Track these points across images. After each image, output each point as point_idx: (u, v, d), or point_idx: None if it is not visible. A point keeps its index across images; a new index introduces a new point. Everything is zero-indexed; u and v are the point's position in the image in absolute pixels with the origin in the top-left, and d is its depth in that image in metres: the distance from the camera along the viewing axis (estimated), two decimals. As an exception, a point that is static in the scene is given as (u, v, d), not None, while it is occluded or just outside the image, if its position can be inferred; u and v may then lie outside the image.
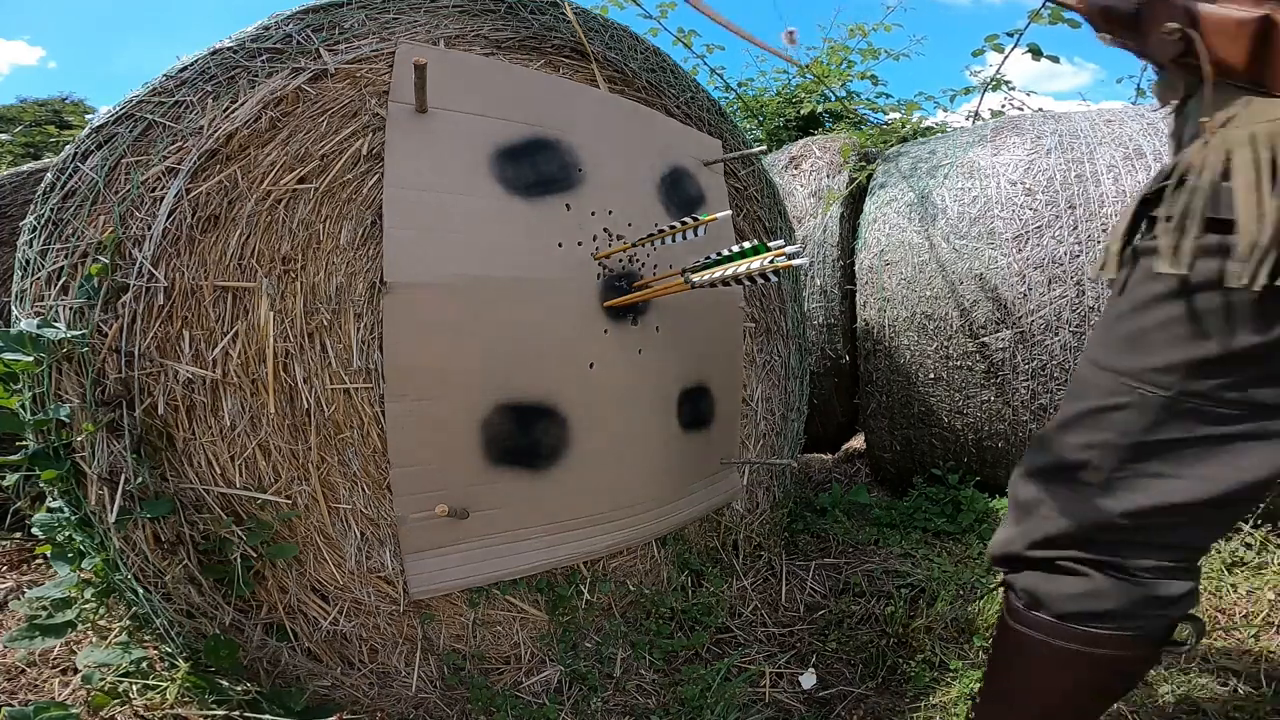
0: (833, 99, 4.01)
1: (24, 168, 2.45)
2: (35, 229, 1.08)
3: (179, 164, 1.14)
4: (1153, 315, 0.82)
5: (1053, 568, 0.89)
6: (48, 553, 1.16)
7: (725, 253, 1.33)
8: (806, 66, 3.96)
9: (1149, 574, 0.84)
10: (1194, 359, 0.79)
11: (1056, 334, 2.13)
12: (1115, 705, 1.28)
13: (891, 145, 2.86)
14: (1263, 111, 0.78)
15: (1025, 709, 0.96)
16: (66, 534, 1.12)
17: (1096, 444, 0.85)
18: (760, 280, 1.25)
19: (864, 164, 2.72)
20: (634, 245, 1.49)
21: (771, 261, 1.21)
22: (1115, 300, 0.87)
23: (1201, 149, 0.80)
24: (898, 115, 3.80)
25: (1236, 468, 0.79)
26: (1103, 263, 0.90)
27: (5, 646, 1.22)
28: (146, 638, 1.16)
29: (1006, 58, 3.03)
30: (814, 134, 3.74)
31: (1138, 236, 0.88)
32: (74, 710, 1.00)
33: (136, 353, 1.10)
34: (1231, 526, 0.88)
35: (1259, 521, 1.91)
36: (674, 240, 1.42)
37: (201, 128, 1.16)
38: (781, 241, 1.24)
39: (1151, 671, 1.36)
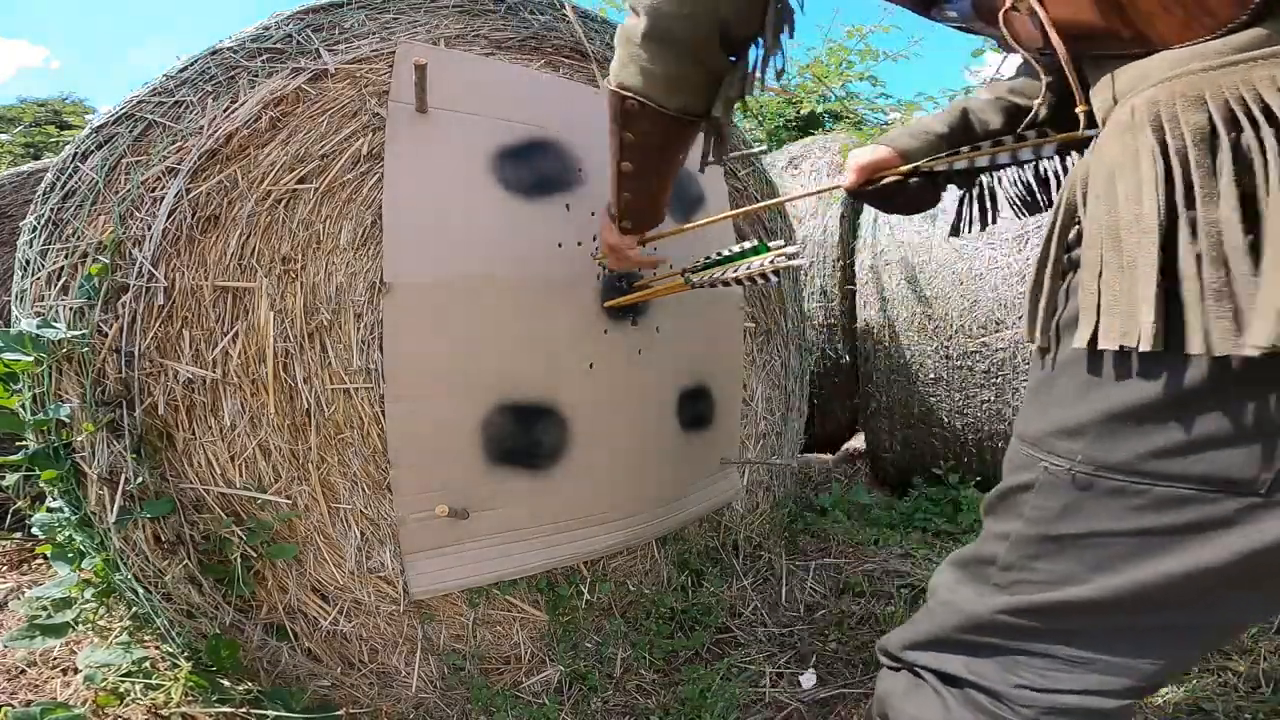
0: (833, 99, 4.01)
1: (24, 168, 2.46)
2: (35, 229, 1.08)
3: (179, 164, 1.14)
4: (1068, 366, 0.60)
5: (917, 678, 0.70)
6: (48, 553, 1.16)
7: (725, 253, 1.32)
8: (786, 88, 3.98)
9: (1028, 709, 0.61)
10: (1107, 411, 0.55)
11: (1056, 334, 2.13)
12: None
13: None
14: (1147, 73, 0.56)
15: None
16: (66, 534, 1.12)
17: (1006, 534, 0.65)
18: (760, 281, 1.25)
19: (864, 164, 2.71)
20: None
21: (772, 262, 1.21)
22: (1042, 362, 0.64)
23: (1085, 159, 0.60)
24: (898, 115, 3.80)
25: (1185, 571, 0.54)
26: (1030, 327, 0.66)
27: (5, 646, 1.22)
28: (147, 638, 1.16)
29: (1005, 58, 3.04)
30: (814, 134, 3.74)
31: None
32: (79, 711, 1.00)
33: (136, 353, 1.10)
34: (1194, 657, 0.62)
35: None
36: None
37: (201, 128, 1.16)
38: (781, 241, 1.24)
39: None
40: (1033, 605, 0.61)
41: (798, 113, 4.10)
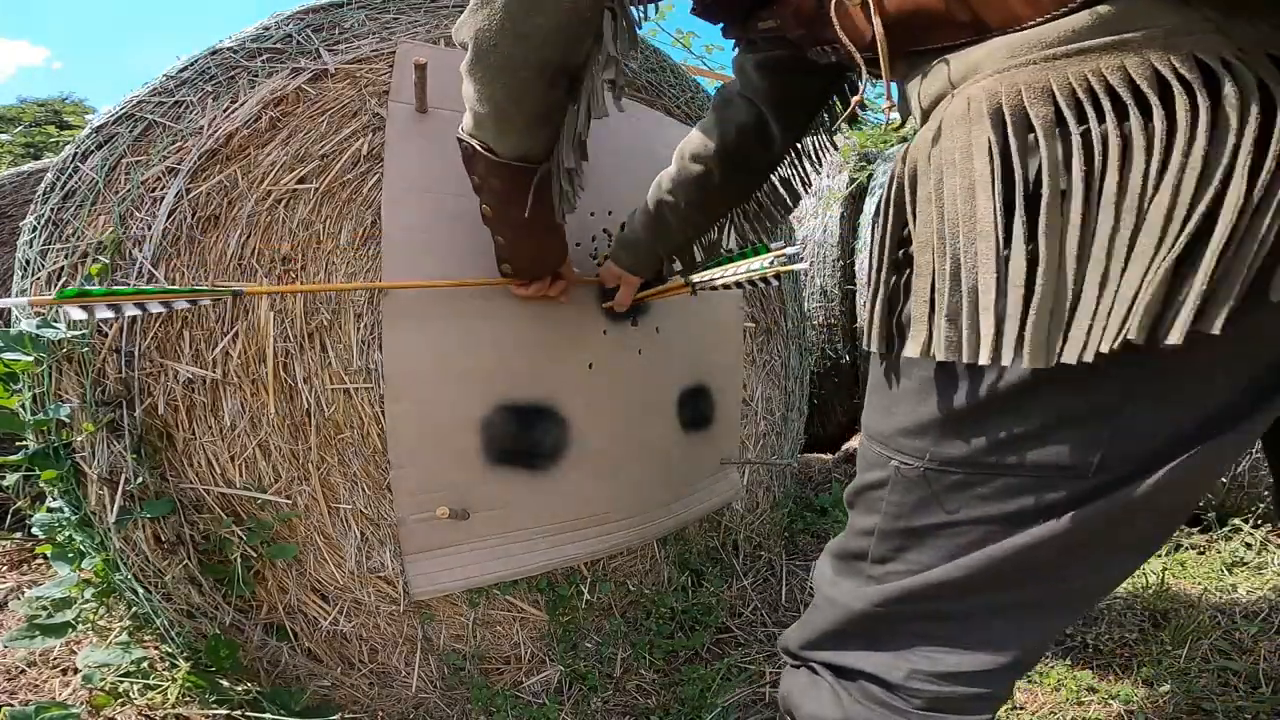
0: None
1: (24, 168, 2.46)
2: (35, 229, 1.08)
3: (179, 164, 1.14)
4: (907, 368, 0.62)
5: (814, 674, 0.71)
6: (48, 553, 1.16)
7: (726, 254, 1.32)
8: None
9: (916, 699, 0.63)
10: (947, 411, 0.58)
11: (1056, 334, 2.13)
12: (1115, 705, 1.28)
13: (891, 145, 2.87)
14: (979, 64, 0.54)
15: None
16: (66, 534, 1.12)
17: (870, 529, 0.67)
18: (761, 283, 1.25)
19: (864, 164, 2.72)
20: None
21: (772, 264, 1.21)
22: (882, 363, 0.67)
23: (910, 154, 0.58)
24: (898, 115, 3.80)
25: (1030, 546, 0.58)
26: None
27: (5, 646, 1.22)
28: (147, 638, 1.16)
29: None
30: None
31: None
32: (75, 710, 1.00)
33: (136, 353, 1.10)
34: (1056, 629, 0.68)
35: (1259, 522, 1.91)
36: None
37: (201, 128, 1.16)
38: (782, 242, 1.24)
39: (1150, 671, 1.36)
40: (904, 591, 0.64)
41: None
